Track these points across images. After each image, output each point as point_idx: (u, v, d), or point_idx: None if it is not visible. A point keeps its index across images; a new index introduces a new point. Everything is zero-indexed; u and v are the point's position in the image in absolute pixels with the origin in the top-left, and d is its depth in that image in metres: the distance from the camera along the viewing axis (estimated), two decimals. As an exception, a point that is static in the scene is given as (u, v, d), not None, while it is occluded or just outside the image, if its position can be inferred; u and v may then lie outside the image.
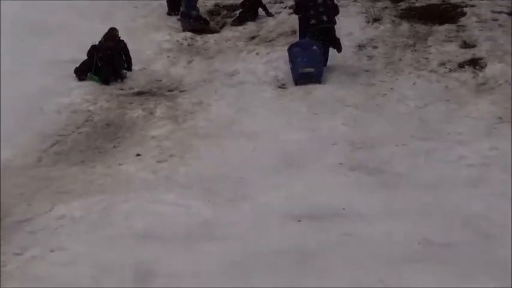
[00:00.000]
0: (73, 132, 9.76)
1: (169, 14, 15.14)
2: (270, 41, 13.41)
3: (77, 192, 7.67)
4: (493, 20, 12.79)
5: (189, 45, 13.69)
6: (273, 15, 14.65)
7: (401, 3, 14.28)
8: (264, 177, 7.93)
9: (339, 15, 12.02)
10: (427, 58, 11.80)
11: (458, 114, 9.88)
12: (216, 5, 15.74)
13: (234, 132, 9.59)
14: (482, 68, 11.18)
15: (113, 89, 11.44)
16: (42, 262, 6.06)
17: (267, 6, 14.84)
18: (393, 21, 13.46)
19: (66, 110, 10.44)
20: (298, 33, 12.56)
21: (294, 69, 11.40)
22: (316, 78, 11.25)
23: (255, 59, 12.41)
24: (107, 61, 11.67)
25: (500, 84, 10.56)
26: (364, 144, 8.93)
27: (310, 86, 11.07)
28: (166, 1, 15.28)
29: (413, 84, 11.01)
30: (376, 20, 13.42)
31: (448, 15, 13.39)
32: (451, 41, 12.24)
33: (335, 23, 11.81)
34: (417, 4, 14.13)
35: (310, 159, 8.44)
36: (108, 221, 6.85)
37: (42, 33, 12.68)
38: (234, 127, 9.81)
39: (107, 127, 9.97)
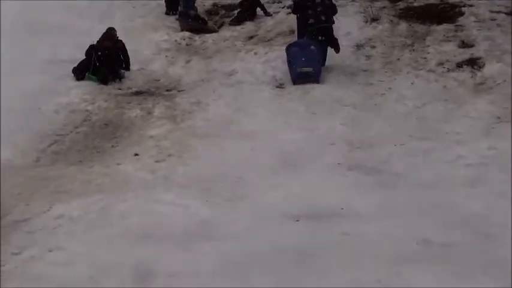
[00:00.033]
0: (71, 132, 9.75)
1: (167, 13, 15.13)
2: (268, 40, 13.41)
3: (75, 192, 7.67)
4: (491, 19, 12.79)
5: (187, 45, 13.68)
6: (271, 15, 14.65)
7: (400, 3, 14.27)
8: (262, 177, 7.93)
9: (337, 14, 12.01)
10: (425, 58, 11.81)
11: (457, 113, 9.89)
12: (214, 4, 15.73)
13: (232, 132, 9.59)
14: (480, 67, 11.19)
15: (111, 88, 11.44)
16: (40, 262, 6.06)
17: (265, 5, 14.84)
18: (391, 21, 13.47)
19: (64, 109, 10.44)
20: (296, 32, 12.56)
21: (292, 69, 11.40)
22: (314, 78, 11.25)
23: (253, 59, 12.41)
24: (105, 61, 11.67)
25: (499, 83, 10.57)
26: (362, 144, 8.94)
27: (308, 86, 11.07)
28: (165, 1, 15.27)
29: (412, 84, 11.02)
30: (374, 19, 13.42)
31: (446, 14, 13.40)
32: (449, 41, 12.25)
33: (333, 22, 11.81)
34: (415, 4, 14.13)
35: (309, 159, 8.44)
36: (106, 221, 6.85)
37: (41, 33, 12.68)
38: (232, 127, 9.81)
39: (105, 127, 9.97)
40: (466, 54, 11.67)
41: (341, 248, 6.05)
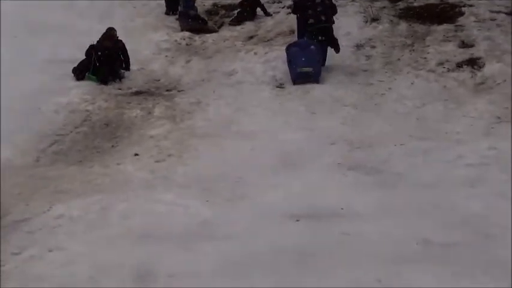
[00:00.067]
0: (71, 132, 9.75)
1: (167, 13, 15.14)
2: (268, 40, 13.42)
3: (75, 192, 7.67)
4: (491, 19, 12.80)
5: (187, 44, 13.68)
6: (271, 15, 14.66)
7: (400, 3, 14.28)
8: (262, 177, 7.93)
9: (337, 14, 12.02)
10: (425, 58, 11.81)
11: (457, 113, 9.89)
12: (214, 4, 15.74)
13: (232, 131, 9.60)
14: (480, 67, 11.19)
15: (111, 88, 11.44)
16: (40, 262, 6.05)
17: (265, 5, 14.85)
18: (391, 21, 13.47)
19: (64, 109, 10.44)
20: (296, 32, 12.57)
21: (292, 69, 11.40)
22: (314, 77, 11.26)
23: (253, 59, 12.42)
24: (105, 61, 11.67)
25: (499, 83, 10.57)
26: (363, 143, 8.93)
27: (308, 86, 11.08)
28: (165, 1, 15.27)
29: (412, 83, 11.02)
30: (374, 19, 13.42)
31: (446, 14, 13.40)
32: (449, 41, 12.26)
33: (333, 22, 11.82)
34: (415, 4, 14.14)
35: (309, 158, 8.44)
36: (106, 221, 6.84)
37: (41, 33, 12.70)
38: (232, 127, 9.81)
39: (105, 127, 9.97)
40: (466, 54, 11.68)
41: (341, 248, 6.04)
